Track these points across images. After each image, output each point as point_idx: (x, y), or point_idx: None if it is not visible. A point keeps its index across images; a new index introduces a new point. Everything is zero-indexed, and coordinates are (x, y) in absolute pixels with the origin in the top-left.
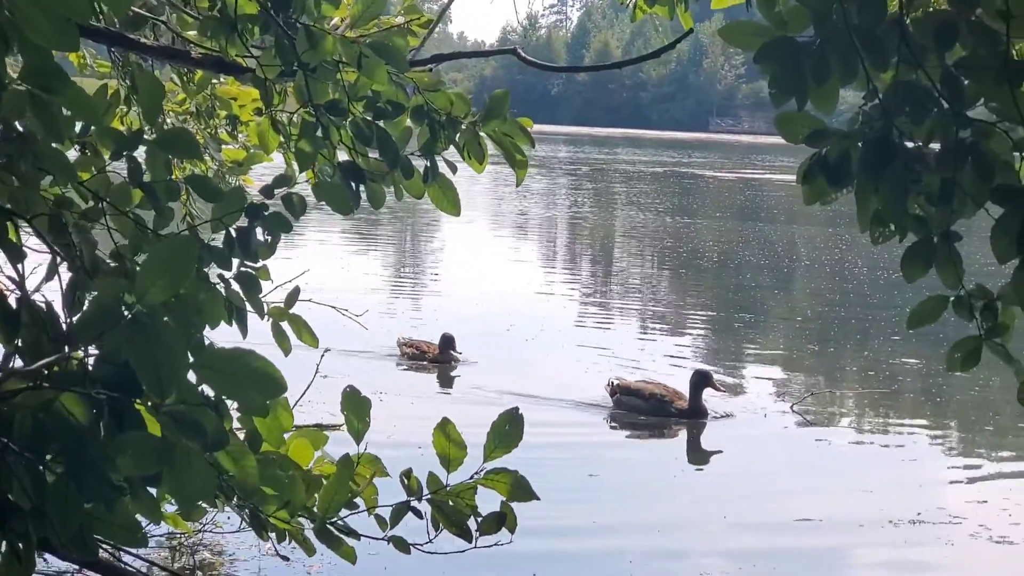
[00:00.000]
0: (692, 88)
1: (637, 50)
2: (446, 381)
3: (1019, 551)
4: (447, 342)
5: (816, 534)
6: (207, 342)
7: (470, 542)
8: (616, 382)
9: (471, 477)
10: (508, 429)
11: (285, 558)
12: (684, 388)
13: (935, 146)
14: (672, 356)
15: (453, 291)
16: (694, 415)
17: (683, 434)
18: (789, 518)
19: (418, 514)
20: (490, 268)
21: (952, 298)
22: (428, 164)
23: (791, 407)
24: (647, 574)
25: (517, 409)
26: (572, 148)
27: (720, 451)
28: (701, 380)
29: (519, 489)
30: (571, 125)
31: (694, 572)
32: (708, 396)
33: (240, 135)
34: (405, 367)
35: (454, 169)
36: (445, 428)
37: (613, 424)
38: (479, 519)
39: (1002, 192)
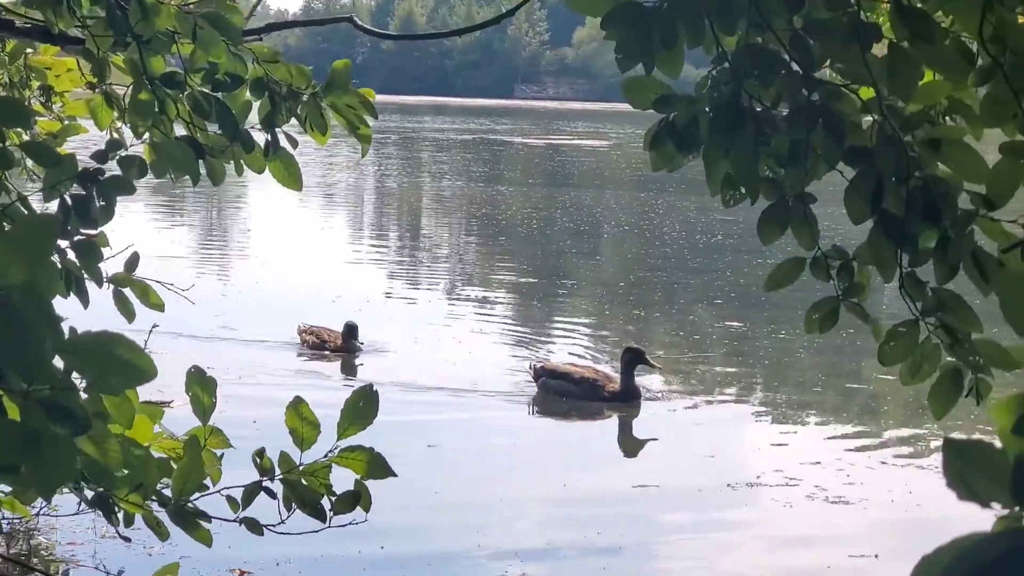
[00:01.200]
0: (497, 55)
1: (441, 18)
2: (349, 370)
3: (855, 510)
4: (350, 331)
5: (655, 501)
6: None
7: (324, 522)
8: (540, 365)
9: (325, 456)
10: (362, 406)
11: (127, 539)
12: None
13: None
14: (499, 325)
15: (266, 265)
16: (628, 397)
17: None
18: (628, 484)
19: (271, 494)
20: (308, 242)
21: (809, 260)
22: (269, 138)
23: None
24: (482, 541)
25: (371, 386)
26: (380, 117)
27: (562, 419)
28: (634, 358)
29: (375, 466)
30: (378, 94)
31: (535, 541)
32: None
33: (55, 106)
34: (307, 356)
35: (295, 143)
36: (298, 407)
37: (537, 410)
38: (333, 498)
39: (854, 153)
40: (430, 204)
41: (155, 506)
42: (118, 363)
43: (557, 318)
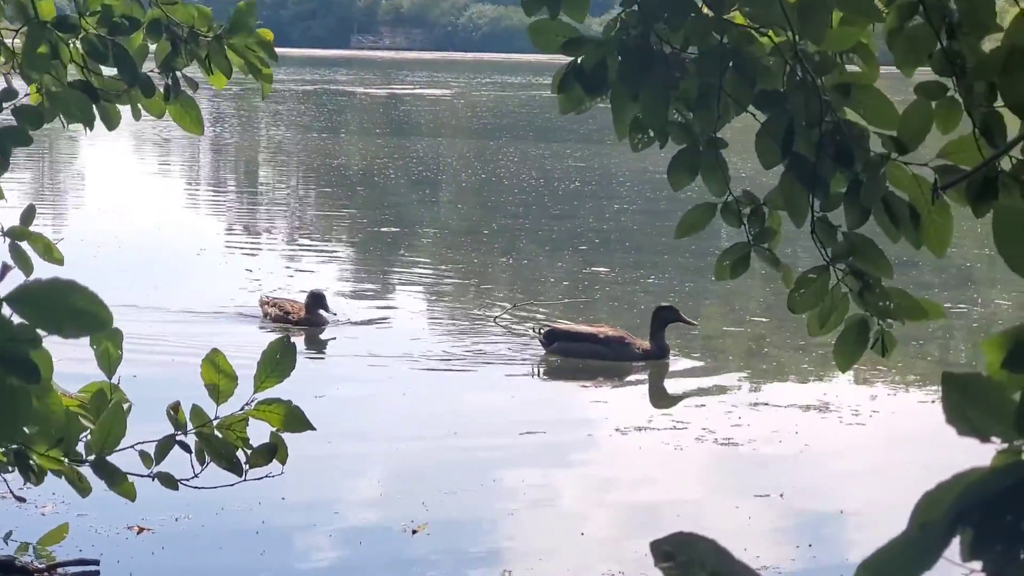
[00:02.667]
0: (333, 5)
1: None
2: (314, 344)
3: (743, 451)
4: (316, 300)
5: (541, 444)
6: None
7: (239, 475)
8: (547, 328)
9: (242, 409)
10: (279, 359)
11: (22, 499)
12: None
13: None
14: (363, 274)
15: (123, 223)
16: (660, 355)
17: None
18: (516, 431)
19: (186, 448)
20: (157, 197)
21: (720, 204)
22: (169, 81)
23: (494, 320)
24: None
25: (288, 337)
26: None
27: (448, 369)
28: (669, 315)
29: (292, 419)
30: None
31: (426, 495)
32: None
33: None
34: (269, 329)
35: (195, 86)
36: (214, 359)
37: (544, 373)
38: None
39: (765, 97)
40: (287, 156)
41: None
42: (74, 311)
43: (428, 267)
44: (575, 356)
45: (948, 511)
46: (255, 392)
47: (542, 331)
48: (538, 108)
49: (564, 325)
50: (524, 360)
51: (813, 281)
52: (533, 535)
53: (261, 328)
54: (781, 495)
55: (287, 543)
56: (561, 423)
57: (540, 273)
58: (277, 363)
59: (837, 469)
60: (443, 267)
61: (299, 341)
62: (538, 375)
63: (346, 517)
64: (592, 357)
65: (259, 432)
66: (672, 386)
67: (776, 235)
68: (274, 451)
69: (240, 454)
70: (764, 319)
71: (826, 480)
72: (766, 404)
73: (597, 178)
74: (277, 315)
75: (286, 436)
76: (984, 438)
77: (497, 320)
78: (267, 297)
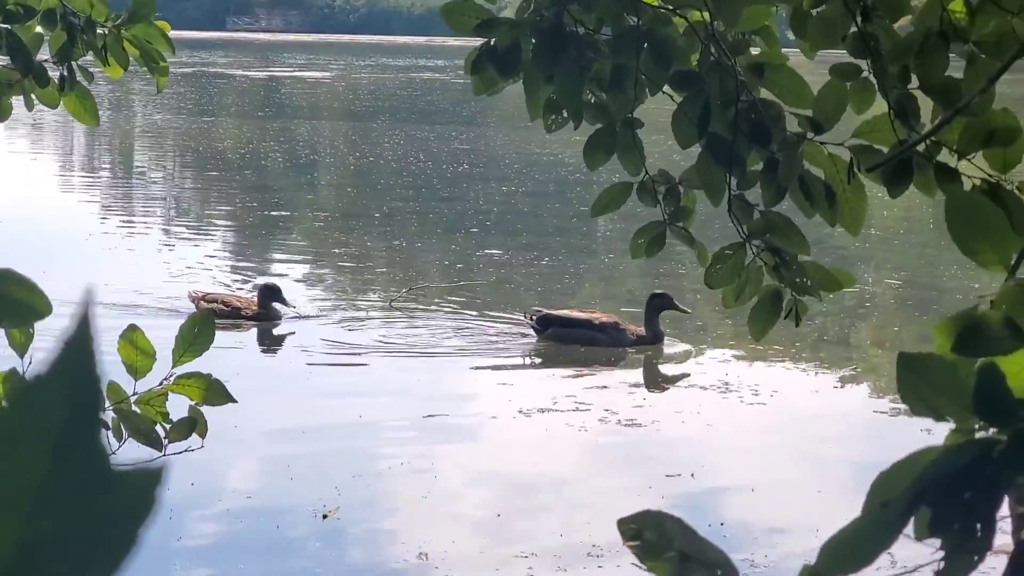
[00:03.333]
0: None
1: None
2: (268, 340)
3: (647, 432)
4: (270, 293)
5: (446, 426)
6: None
7: (159, 450)
8: (540, 314)
9: (160, 384)
10: (197, 332)
11: None
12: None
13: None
14: (253, 260)
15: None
16: (655, 340)
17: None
18: (420, 414)
19: (104, 425)
20: (33, 183)
21: (635, 184)
22: (65, 72)
23: (390, 303)
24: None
25: (207, 311)
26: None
27: (352, 353)
28: (663, 303)
29: (213, 392)
30: None
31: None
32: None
33: None
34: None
35: (90, 77)
36: (131, 336)
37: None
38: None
39: (680, 78)
40: (167, 140)
41: None
42: (10, 300)
43: (320, 251)
44: (570, 342)
45: (907, 490)
46: (174, 366)
47: (534, 317)
48: (419, 90)
49: (558, 311)
50: (427, 342)
51: (729, 257)
52: (444, 517)
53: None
54: (692, 475)
55: (199, 528)
56: (465, 405)
57: (433, 256)
58: (196, 336)
59: (742, 447)
60: (336, 251)
61: (251, 336)
62: (529, 361)
63: (257, 502)
64: (587, 343)
65: (180, 409)
66: (573, 369)
67: (691, 214)
68: (193, 424)
69: (160, 430)
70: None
71: (733, 459)
72: (668, 386)
73: (484, 160)
74: (223, 311)
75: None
76: (938, 417)
77: (393, 303)
78: (198, 292)
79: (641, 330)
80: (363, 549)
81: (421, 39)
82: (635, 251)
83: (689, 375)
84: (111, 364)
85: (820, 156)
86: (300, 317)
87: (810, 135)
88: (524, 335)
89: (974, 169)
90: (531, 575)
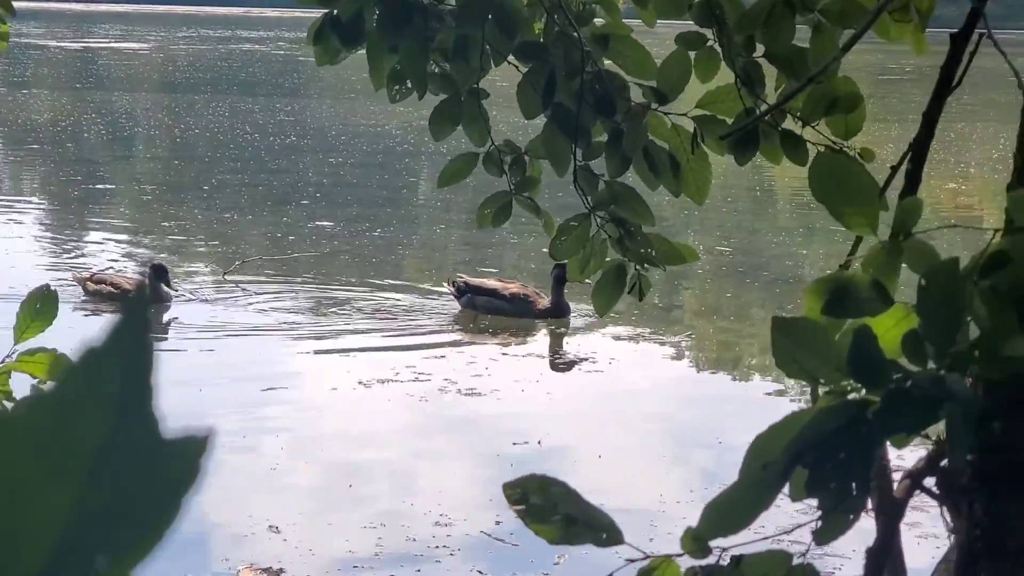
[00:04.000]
0: None
1: None
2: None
3: (488, 401)
4: (158, 274)
5: (284, 400)
6: None
7: None
8: (461, 281)
9: (2, 362)
10: (40, 307)
11: None
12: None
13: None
14: (79, 234)
15: None
16: (559, 312)
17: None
18: (258, 388)
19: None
20: None
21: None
22: None
23: (223, 275)
24: None
25: (48, 286)
26: None
27: (191, 325)
28: (563, 273)
29: (60, 369)
30: None
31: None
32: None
33: None
34: (91, 310)
35: None
36: None
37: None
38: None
39: (525, 48)
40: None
41: None
42: None
43: (149, 225)
44: (481, 310)
45: (784, 452)
46: (16, 343)
47: (455, 284)
48: (239, 62)
49: (476, 280)
50: (262, 317)
51: (575, 228)
52: (291, 488)
53: (84, 307)
54: (539, 442)
55: None
56: (302, 378)
57: (266, 228)
58: (38, 312)
59: (583, 415)
60: (165, 224)
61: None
62: (457, 330)
63: None
64: (495, 312)
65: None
66: (412, 339)
67: (537, 184)
68: None
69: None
70: (494, 269)
71: (577, 426)
72: (507, 356)
73: (311, 132)
74: (112, 292)
75: None
76: (812, 380)
77: (226, 275)
78: (87, 273)
79: (546, 303)
80: (211, 521)
81: (238, 10)
82: (482, 220)
83: (526, 344)
84: None
85: (664, 127)
86: (191, 299)
87: (654, 106)
88: (360, 307)
89: (818, 136)
90: (380, 543)
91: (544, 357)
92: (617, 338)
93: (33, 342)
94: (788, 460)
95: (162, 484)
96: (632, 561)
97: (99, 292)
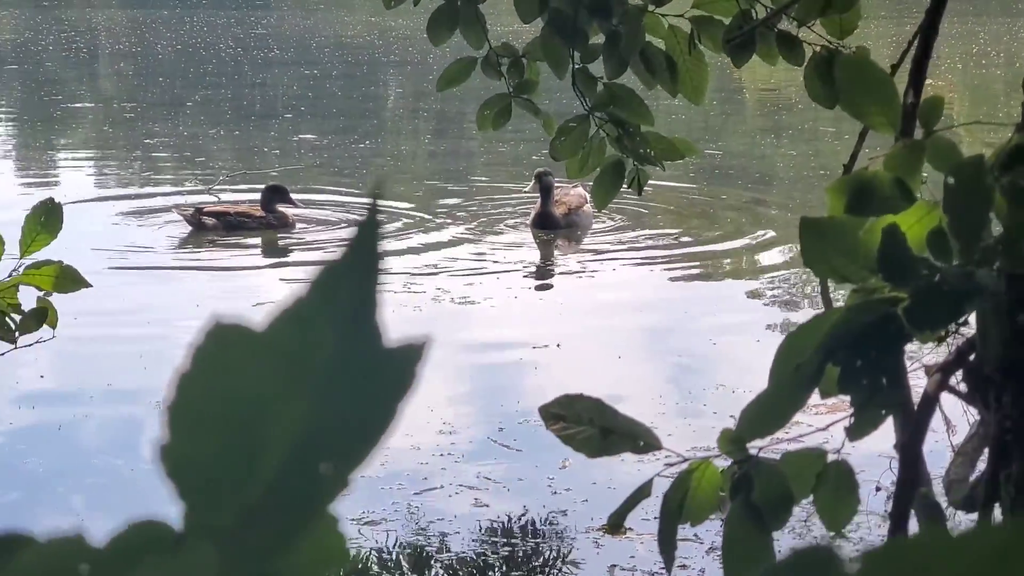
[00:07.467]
0: None
1: None
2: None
3: (479, 310)
4: (276, 193)
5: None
6: None
7: (13, 343)
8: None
9: (9, 275)
10: (44, 220)
11: None
12: None
13: None
14: (65, 152)
15: None
16: (547, 224)
17: None
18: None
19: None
20: None
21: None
22: None
23: (208, 190)
24: None
25: (52, 199)
26: None
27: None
28: (550, 181)
29: (65, 279)
30: None
31: None
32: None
33: None
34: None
35: None
36: None
37: None
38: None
39: None
40: None
41: None
42: None
43: (133, 141)
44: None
45: (818, 351)
46: (22, 256)
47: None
48: None
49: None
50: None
51: (574, 129)
52: None
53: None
54: (561, 344)
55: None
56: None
57: (251, 142)
58: (43, 224)
59: (590, 324)
60: (149, 141)
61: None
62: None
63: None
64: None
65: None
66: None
67: (535, 86)
68: (44, 315)
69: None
70: (484, 179)
71: (587, 332)
72: (497, 263)
73: (292, 45)
74: (243, 221)
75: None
76: (840, 278)
77: (211, 190)
78: (187, 208)
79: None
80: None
81: None
82: (481, 122)
83: (515, 254)
84: None
85: (661, 28)
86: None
87: (651, 7)
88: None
89: (813, 37)
90: (384, 453)
91: (533, 265)
92: (607, 247)
93: (38, 255)
94: (820, 358)
95: (382, 392)
96: (671, 465)
97: (220, 224)
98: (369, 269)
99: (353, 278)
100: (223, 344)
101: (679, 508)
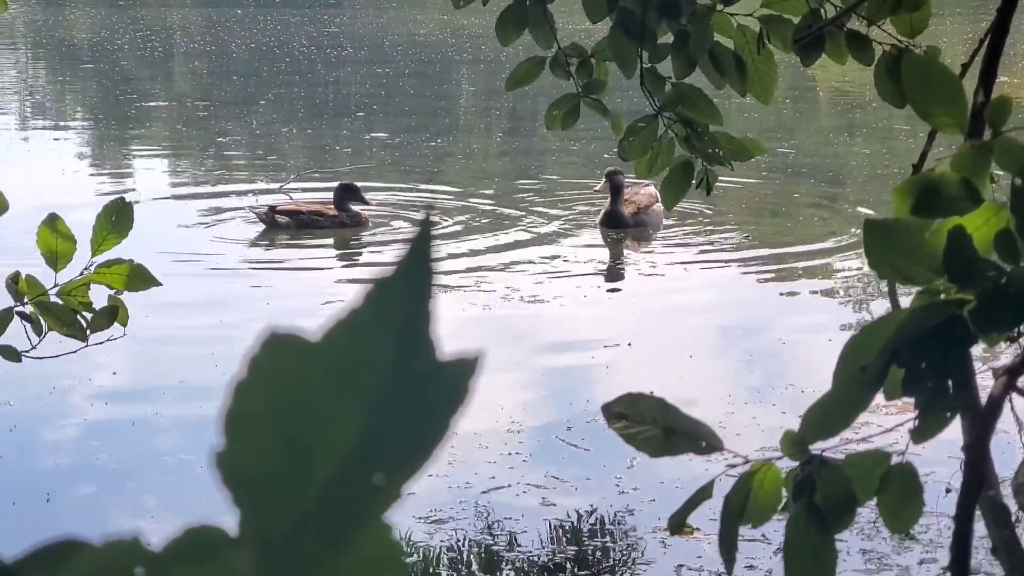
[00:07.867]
0: None
1: None
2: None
3: (550, 309)
4: (348, 192)
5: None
6: None
7: (84, 340)
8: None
9: (80, 274)
10: (115, 219)
11: None
12: None
13: None
14: (140, 151)
15: None
16: (617, 223)
17: None
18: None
19: (27, 318)
20: None
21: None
22: None
23: (280, 188)
24: None
25: (123, 199)
26: None
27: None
28: (620, 180)
29: (136, 278)
30: None
31: None
32: None
33: None
34: (288, 238)
35: None
36: (53, 224)
37: None
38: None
39: None
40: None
41: None
42: None
43: (210, 138)
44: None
45: (882, 353)
46: (93, 255)
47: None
48: None
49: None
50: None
51: (642, 129)
52: None
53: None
54: (631, 343)
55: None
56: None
57: (323, 141)
58: (114, 223)
59: (661, 318)
60: (222, 139)
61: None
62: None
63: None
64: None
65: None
66: (470, 244)
67: (604, 86)
68: (114, 313)
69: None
70: (555, 177)
71: (658, 329)
72: (567, 260)
73: (366, 44)
74: (315, 219)
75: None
76: (905, 280)
77: (283, 188)
78: (262, 207)
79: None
80: None
81: None
82: (550, 122)
83: (583, 252)
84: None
85: (730, 27)
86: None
87: (720, 6)
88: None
89: (883, 36)
90: (452, 452)
91: (603, 264)
92: (674, 246)
93: (109, 254)
94: (884, 360)
95: (435, 405)
96: (732, 466)
97: (293, 223)
98: (423, 281)
99: (407, 290)
100: (278, 354)
101: (740, 510)
